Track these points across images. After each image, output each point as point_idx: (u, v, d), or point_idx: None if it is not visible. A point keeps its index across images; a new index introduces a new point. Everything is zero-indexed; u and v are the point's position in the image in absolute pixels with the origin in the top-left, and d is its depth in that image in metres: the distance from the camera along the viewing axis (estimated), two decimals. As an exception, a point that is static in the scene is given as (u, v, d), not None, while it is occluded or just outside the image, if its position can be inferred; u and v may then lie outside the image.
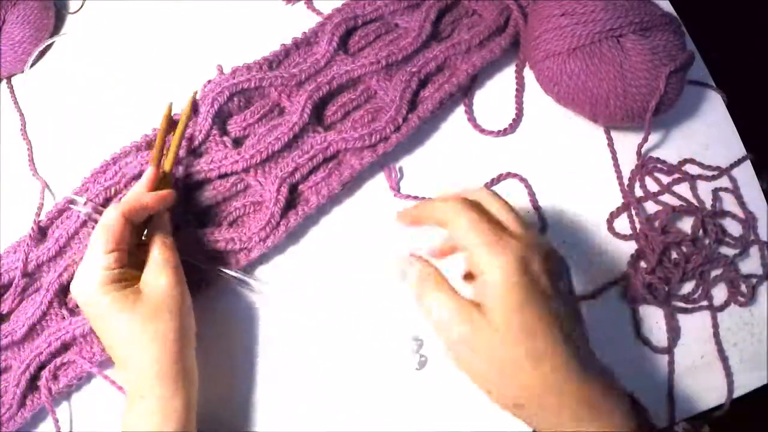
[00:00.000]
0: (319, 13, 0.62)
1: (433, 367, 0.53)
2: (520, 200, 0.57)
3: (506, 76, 0.61)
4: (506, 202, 0.41)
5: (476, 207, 0.40)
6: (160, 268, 0.46)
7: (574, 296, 0.41)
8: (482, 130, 0.59)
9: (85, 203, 0.52)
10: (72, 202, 0.53)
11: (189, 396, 0.46)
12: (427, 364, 0.53)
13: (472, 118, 0.59)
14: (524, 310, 0.36)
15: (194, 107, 0.56)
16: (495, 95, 0.60)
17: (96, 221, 0.53)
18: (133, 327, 0.44)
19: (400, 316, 0.53)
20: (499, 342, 0.36)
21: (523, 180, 0.57)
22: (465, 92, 0.60)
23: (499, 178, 0.58)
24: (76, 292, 0.46)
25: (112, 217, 0.46)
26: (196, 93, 0.56)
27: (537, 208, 0.57)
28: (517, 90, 0.60)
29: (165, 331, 0.45)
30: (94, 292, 0.45)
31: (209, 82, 0.58)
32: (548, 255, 0.39)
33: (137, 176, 0.54)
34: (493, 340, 0.36)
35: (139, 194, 0.49)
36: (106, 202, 0.54)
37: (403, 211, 0.44)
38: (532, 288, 0.36)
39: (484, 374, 0.37)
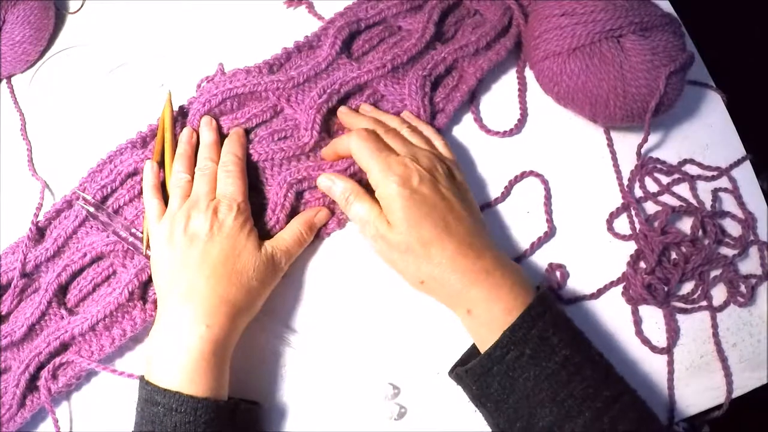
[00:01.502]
0: (320, 17, 0.62)
1: (411, 421, 0.52)
2: (535, 198, 0.57)
3: (506, 77, 0.61)
4: (403, 121, 0.55)
5: (374, 133, 0.51)
6: (286, 249, 0.51)
7: (466, 188, 0.52)
8: (488, 131, 0.59)
9: (92, 201, 0.53)
10: (78, 197, 0.54)
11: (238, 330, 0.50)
12: (405, 416, 0.52)
13: (478, 119, 0.59)
14: (408, 211, 0.47)
15: (182, 108, 0.57)
16: (495, 95, 0.60)
17: (97, 218, 0.53)
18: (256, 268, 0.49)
19: (378, 362, 0.53)
20: (398, 236, 0.47)
21: (545, 182, 0.57)
22: (471, 93, 0.60)
23: (522, 176, 0.58)
24: (226, 207, 0.50)
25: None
26: (170, 94, 0.56)
27: (549, 211, 0.57)
28: (519, 90, 0.60)
29: (257, 295, 0.50)
30: (240, 223, 0.50)
31: (206, 79, 0.58)
32: (432, 165, 0.50)
33: (133, 173, 0.55)
34: (394, 235, 0.48)
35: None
36: (104, 200, 0.54)
37: (323, 150, 0.55)
38: (411, 196, 0.47)
39: (394, 259, 0.49)
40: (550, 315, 0.46)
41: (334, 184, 0.51)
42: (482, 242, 0.48)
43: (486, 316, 0.46)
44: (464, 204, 0.50)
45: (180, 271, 0.48)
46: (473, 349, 0.50)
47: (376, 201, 0.49)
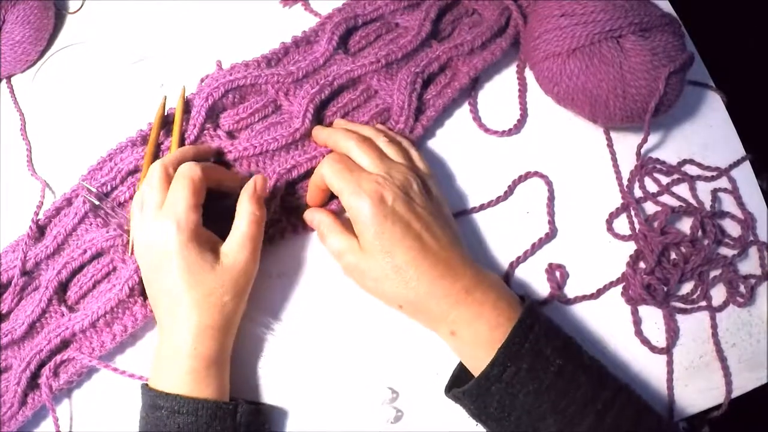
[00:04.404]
0: (316, 14, 0.62)
1: (408, 424, 0.52)
2: (535, 199, 0.57)
3: (505, 77, 0.61)
4: (379, 131, 0.53)
5: (345, 156, 0.50)
6: (244, 241, 0.48)
7: (442, 203, 0.51)
8: (487, 130, 0.59)
9: (96, 194, 0.53)
10: (83, 188, 0.54)
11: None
12: (402, 420, 0.52)
13: (477, 118, 0.59)
14: (380, 236, 0.46)
15: (187, 102, 0.56)
16: (494, 95, 0.60)
17: (101, 209, 0.53)
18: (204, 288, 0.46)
19: (377, 365, 0.53)
20: (371, 262, 0.46)
21: (548, 183, 0.57)
22: (468, 92, 0.60)
23: (527, 176, 0.58)
24: (160, 242, 0.46)
25: (197, 171, 0.47)
26: (184, 88, 0.56)
27: (552, 213, 0.57)
28: (519, 90, 0.60)
29: (234, 309, 0.48)
30: (180, 245, 0.46)
31: (207, 76, 0.58)
32: (407, 182, 0.48)
33: (133, 171, 0.55)
34: (367, 262, 0.47)
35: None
36: (104, 197, 0.54)
37: (317, 129, 0.55)
38: (384, 216, 0.46)
39: (370, 287, 0.48)
40: (539, 326, 0.46)
41: (314, 218, 0.51)
42: (460, 260, 0.47)
43: (470, 336, 0.46)
44: (440, 221, 0.48)
45: (159, 290, 0.48)
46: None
47: (352, 233, 0.48)
